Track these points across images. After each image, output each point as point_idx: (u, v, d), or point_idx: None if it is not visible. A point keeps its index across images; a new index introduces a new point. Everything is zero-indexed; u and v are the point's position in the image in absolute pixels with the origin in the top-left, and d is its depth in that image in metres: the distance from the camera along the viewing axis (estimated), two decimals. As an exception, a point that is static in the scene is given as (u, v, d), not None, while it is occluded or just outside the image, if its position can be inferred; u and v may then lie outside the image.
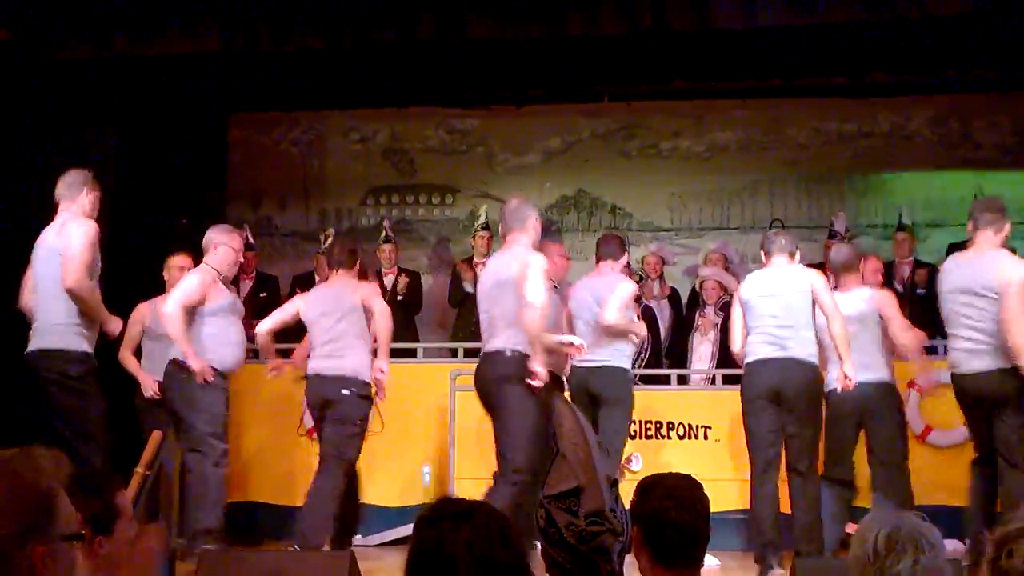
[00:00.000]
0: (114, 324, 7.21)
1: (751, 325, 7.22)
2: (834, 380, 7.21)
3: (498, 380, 6.80)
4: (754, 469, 7.19)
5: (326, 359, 7.51)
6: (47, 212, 7.13)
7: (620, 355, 7.80)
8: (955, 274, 6.91)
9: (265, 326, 7.78)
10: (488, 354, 6.91)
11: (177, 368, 7.42)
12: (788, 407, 7.06)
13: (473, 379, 7.05)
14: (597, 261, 8.08)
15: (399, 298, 10.50)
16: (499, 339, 6.83)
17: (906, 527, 2.69)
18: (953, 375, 6.90)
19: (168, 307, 7.46)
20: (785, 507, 7.30)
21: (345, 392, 7.45)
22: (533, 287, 6.70)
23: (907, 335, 7.57)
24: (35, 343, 6.99)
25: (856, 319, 7.44)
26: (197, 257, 7.95)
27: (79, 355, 7.00)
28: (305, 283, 10.80)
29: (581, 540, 2.95)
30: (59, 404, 6.88)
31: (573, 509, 2.95)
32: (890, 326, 7.51)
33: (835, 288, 7.68)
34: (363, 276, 8.26)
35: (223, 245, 7.74)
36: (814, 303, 7.16)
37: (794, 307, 7.13)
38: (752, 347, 7.19)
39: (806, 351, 7.12)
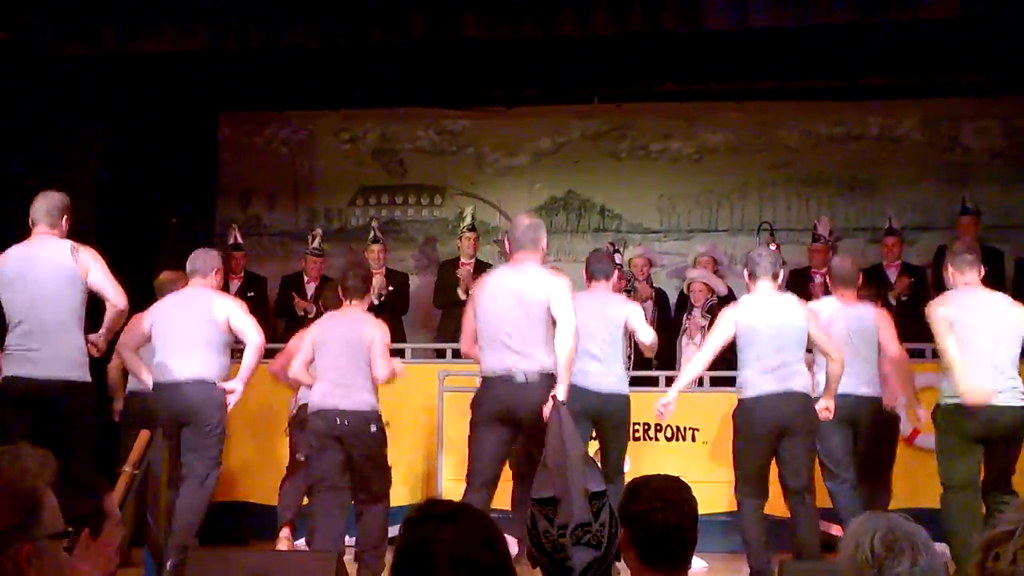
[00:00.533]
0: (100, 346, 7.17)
1: (749, 355, 7.14)
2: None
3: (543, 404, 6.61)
4: (743, 493, 7.17)
5: (338, 395, 7.40)
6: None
7: (623, 380, 7.85)
8: (980, 307, 7.00)
9: (300, 363, 7.61)
10: (537, 375, 6.67)
11: (215, 390, 7.35)
12: (789, 436, 7.07)
13: (496, 399, 6.76)
14: (588, 280, 7.96)
15: (382, 298, 10.48)
16: (533, 361, 6.68)
17: (900, 529, 2.69)
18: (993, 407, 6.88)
19: (260, 338, 7.43)
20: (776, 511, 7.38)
21: (373, 429, 7.41)
22: (571, 316, 6.72)
23: (896, 361, 7.77)
24: (46, 371, 6.69)
25: (859, 334, 7.56)
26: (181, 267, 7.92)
27: (92, 389, 6.99)
28: (293, 284, 10.80)
29: (554, 548, 2.98)
30: (74, 438, 6.62)
31: (550, 517, 2.98)
32: (887, 348, 7.68)
33: (828, 295, 7.77)
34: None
35: (220, 271, 7.76)
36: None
37: (793, 341, 7.13)
38: (752, 380, 7.12)
39: (803, 383, 7.15)
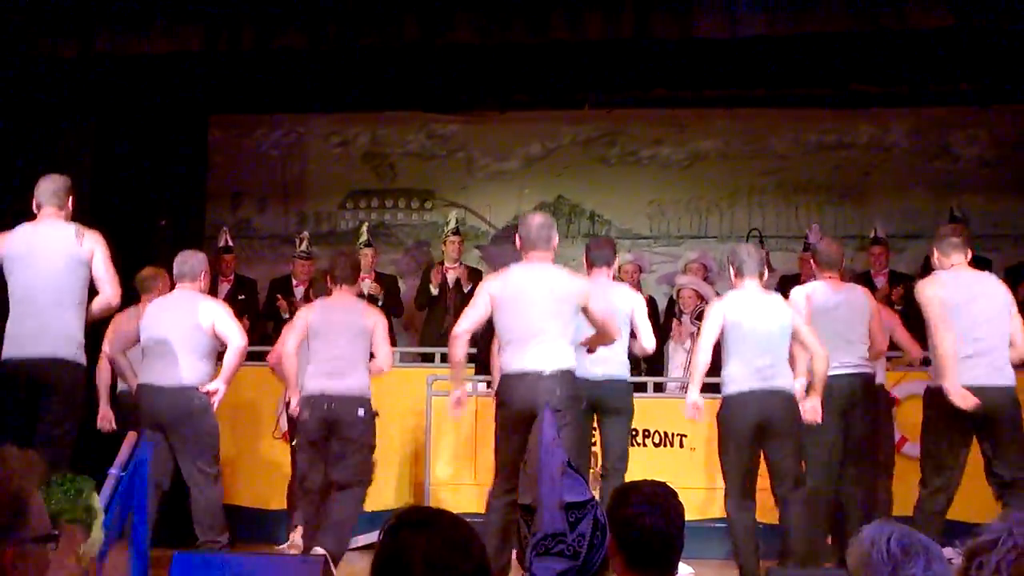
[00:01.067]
0: None
1: (733, 350, 7.12)
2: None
3: (572, 399, 6.71)
4: (732, 495, 7.13)
5: (331, 378, 7.46)
6: (25, 211, 7.05)
7: (625, 366, 7.79)
8: (971, 288, 7.01)
9: (293, 343, 7.64)
10: (559, 371, 6.67)
11: (199, 395, 7.35)
12: (773, 436, 7.07)
13: (518, 397, 6.66)
14: (588, 267, 7.90)
15: (378, 303, 10.48)
16: (555, 358, 6.68)
17: (916, 535, 2.70)
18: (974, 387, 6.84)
19: (242, 342, 7.45)
20: (766, 518, 7.37)
21: (360, 413, 7.45)
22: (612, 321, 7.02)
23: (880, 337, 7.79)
24: (39, 349, 6.72)
25: (855, 312, 7.59)
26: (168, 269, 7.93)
27: (85, 371, 7.04)
28: (283, 287, 10.78)
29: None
30: (58, 415, 6.71)
31: (528, 524, 2.99)
32: (872, 324, 7.71)
33: (814, 279, 7.81)
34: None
35: (208, 273, 7.79)
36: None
37: (778, 340, 7.14)
38: (736, 377, 7.10)
39: (787, 381, 7.15)
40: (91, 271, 6.85)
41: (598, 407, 7.55)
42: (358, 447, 7.50)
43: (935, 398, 6.98)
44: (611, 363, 7.53)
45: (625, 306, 7.69)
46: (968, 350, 6.87)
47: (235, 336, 7.44)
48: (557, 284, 6.81)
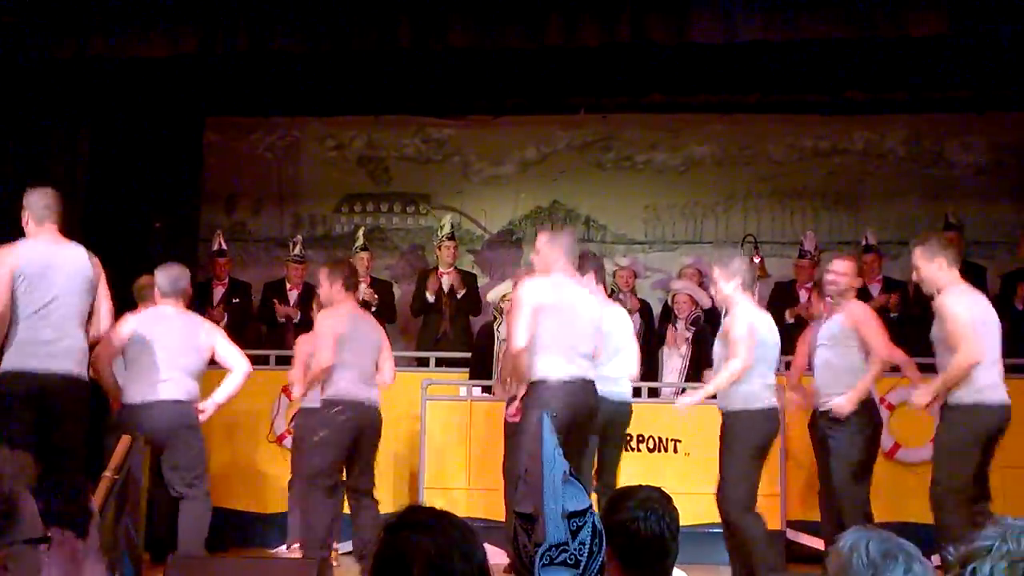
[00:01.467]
0: None
1: (755, 367, 7.11)
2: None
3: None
4: (746, 506, 7.08)
5: (367, 386, 7.50)
6: (19, 213, 7.01)
7: (630, 388, 7.92)
8: (982, 306, 7.01)
9: (331, 357, 7.45)
10: (591, 382, 6.98)
11: (187, 408, 7.32)
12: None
13: (573, 400, 6.83)
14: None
15: (372, 308, 10.47)
16: (593, 368, 7.02)
17: (893, 539, 2.70)
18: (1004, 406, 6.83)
19: (248, 367, 7.45)
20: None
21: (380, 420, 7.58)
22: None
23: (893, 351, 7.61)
24: (53, 364, 6.71)
25: (829, 343, 7.44)
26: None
27: (89, 386, 7.04)
28: (276, 290, 10.77)
29: (532, 564, 2.98)
30: (72, 432, 6.74)
31: (529, 532, 2.98)
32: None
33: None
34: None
35: (190, 286, 7.77)
36: None
37: (778, 357, 7.38)
38: (757, 394, 7.10)
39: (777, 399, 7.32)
40: (95, 294, 6.91)
41: (605, 427, 7.54)
42: (374, 452, 7.60)
43: (965, 416, 6.81)
44: (623, 383, 7.58)
45: (615, 327, 7.76)
46: (998, 367, 6.87)
47: (240, 362, 7.45)
48: (592, 302, 7.18)
